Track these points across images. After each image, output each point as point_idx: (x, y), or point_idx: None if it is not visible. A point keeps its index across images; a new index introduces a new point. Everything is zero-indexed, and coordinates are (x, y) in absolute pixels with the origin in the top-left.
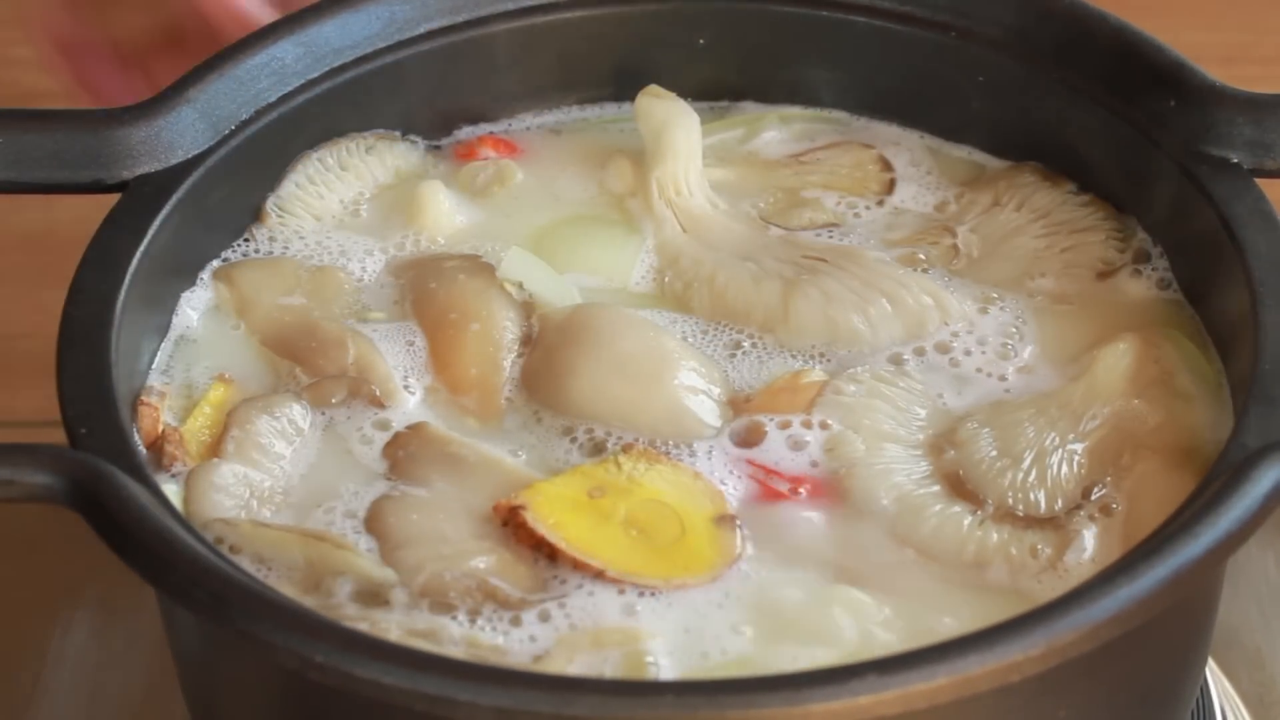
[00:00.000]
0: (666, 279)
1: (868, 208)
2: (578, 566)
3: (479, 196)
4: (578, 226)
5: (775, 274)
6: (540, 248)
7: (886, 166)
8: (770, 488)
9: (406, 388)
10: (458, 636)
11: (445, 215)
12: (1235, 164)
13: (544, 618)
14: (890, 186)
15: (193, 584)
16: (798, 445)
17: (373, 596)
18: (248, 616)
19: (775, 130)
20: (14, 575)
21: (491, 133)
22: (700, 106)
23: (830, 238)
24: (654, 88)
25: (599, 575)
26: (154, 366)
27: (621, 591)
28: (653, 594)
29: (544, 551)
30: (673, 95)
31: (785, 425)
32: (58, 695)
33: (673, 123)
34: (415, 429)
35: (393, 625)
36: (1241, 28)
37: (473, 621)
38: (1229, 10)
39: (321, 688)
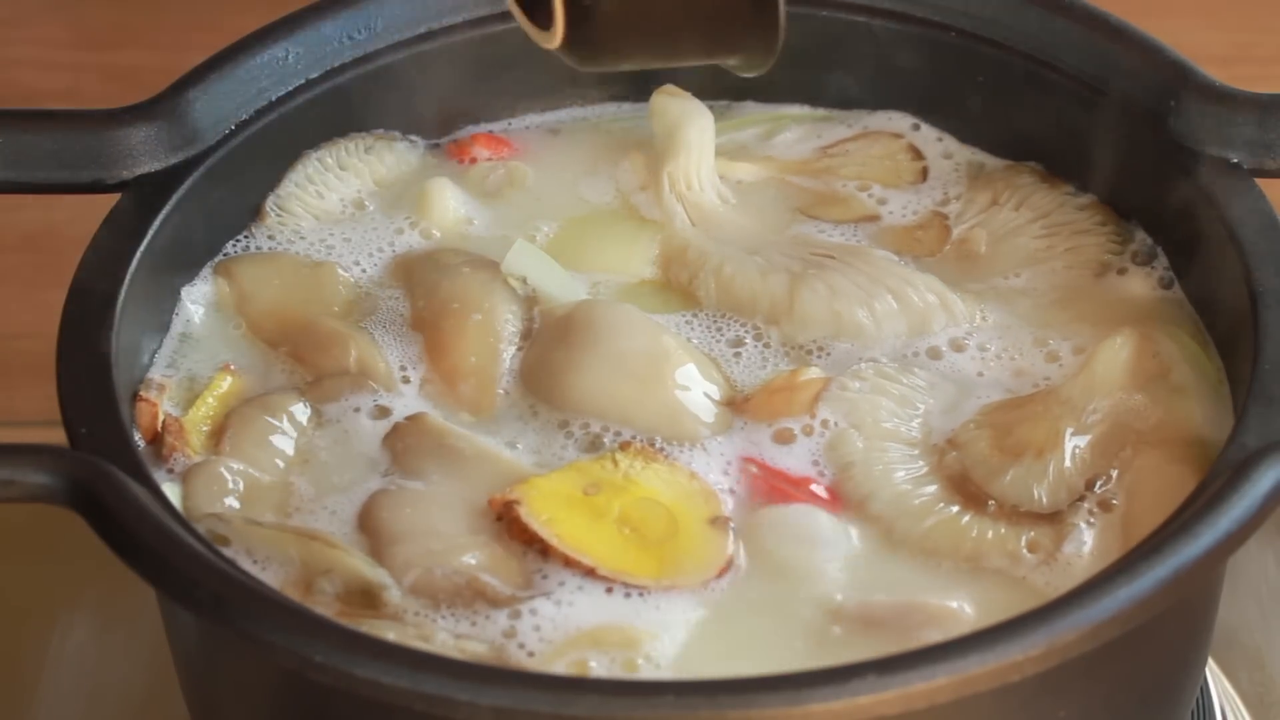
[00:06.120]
0: (672, 270)
1: (901, 212)
2: (568, 563)
3: (485, 196)
4: (582, 223)
5: (782, 268)
6: (544, 243)
7: (918, 155)
8: (768, 487)
9: (405, 381)
10: (447, 635)
11: (450, 212)
12: (1235, 164)
13: (532, 615)
14: (924, 174)
15: (193, 584)
16: (796, 445)
17: (363, 595)
18: (248, 616)
19: (797, 128)
20: (14, 575)
21: (489, 131)
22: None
23: (857, 233)
24: (670, 86)
25: (589, 573)
26: (154, 365)
27: (610, 590)
28: (642, 594)
29: (536, 547)
30: (687, 94)
31: (782, 424)
32: (58, 695)
33: (686, 120)
34: (414, 420)
35: (382, 624)
36: (1241, 28)
37: (460, 619)
38: (1229, 10)
39: (321, 688)
